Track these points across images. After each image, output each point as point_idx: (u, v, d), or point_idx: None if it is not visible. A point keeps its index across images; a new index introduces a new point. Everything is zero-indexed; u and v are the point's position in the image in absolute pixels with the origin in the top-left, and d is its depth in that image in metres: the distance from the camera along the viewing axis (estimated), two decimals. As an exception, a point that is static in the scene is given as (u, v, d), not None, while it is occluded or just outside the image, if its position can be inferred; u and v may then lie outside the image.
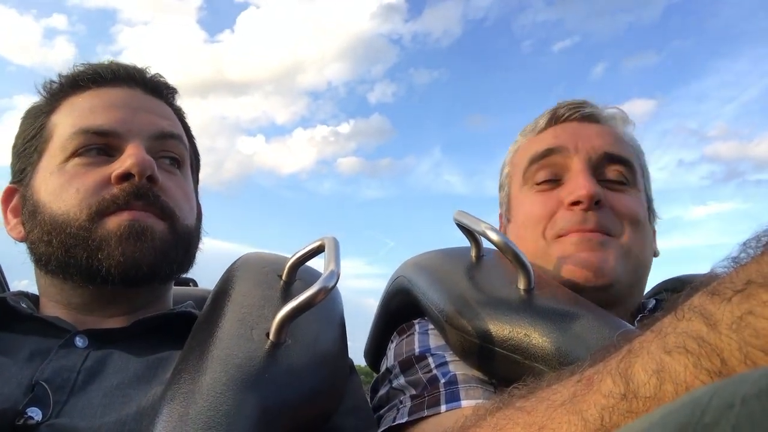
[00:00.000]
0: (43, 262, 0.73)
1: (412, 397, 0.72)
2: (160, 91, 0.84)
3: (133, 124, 0.76)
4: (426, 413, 0.68)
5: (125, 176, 0.71)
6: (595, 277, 0.79)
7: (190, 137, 0.89)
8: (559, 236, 0.83)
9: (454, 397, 0.68)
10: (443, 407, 0.67)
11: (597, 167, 0.85)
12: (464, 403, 0.67)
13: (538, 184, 0.87)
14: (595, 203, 0.81)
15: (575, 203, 0.81)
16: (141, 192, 0.72)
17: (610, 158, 0.86)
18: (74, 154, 0.73)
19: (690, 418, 0.20)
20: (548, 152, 0.86)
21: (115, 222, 0.70)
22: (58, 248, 0.70)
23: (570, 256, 0.80)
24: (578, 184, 0.81)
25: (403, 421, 0.69)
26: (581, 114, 0.91)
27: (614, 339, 0.42)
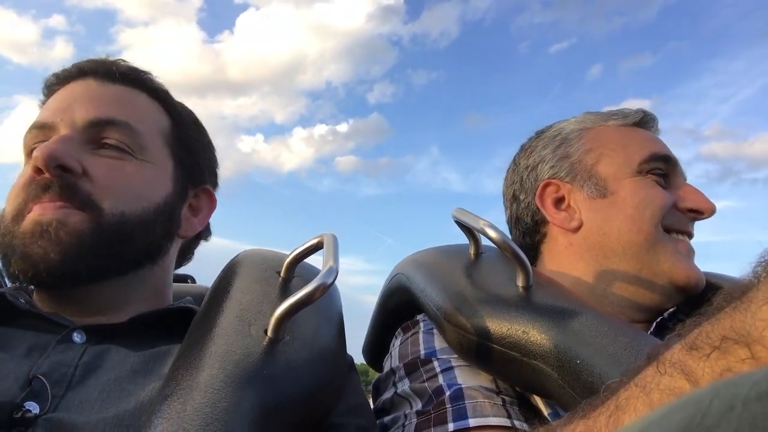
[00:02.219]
0: None
1: (418, 414, 0.71)
2: (114, 76, 0.79)
3: (66, 113, 0.73)
4: None
5: (38, 170, 0.69)
6: (698, 287, 0.86)
7: (175, 116, 0.83)
8: (668, 231, 0.87)
9: (461, 415, 0.67)
10: (450, 426, 0.67)
11: None
12: (471, 422, 0.66)
13: (656, 175, 0.91)
14: None
15: (695, 211, 0.89)
16: (48, 184, 0.68)
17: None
18: (29, 153, 0.74)
19: (690, 421, 0.20)
20: (667, 158, 0.92)
21: (26, 222, 0.68)
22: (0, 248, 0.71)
23: (684, 259, 0.87)
24: (703, 198, 0.90)
25: None
26: (657, 130, 1.00)
27: (600, 392, 0.44)
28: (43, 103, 0.81)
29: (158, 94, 0.83)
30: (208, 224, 0.91)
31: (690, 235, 0.90)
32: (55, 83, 0.79)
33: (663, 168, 0.91)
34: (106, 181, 0.71)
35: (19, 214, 0.69)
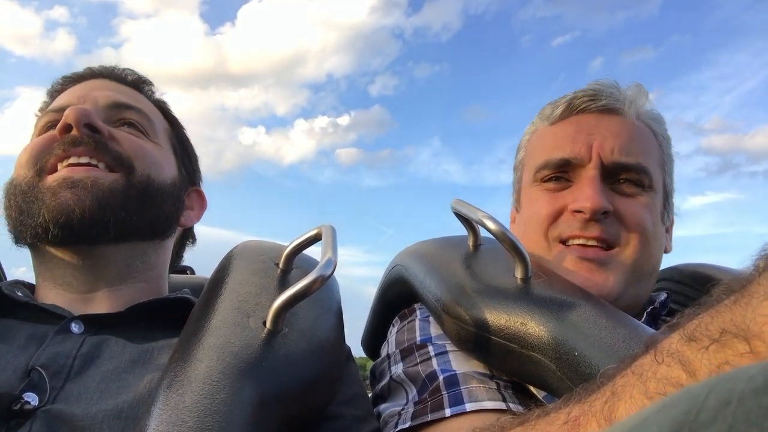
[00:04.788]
0: (9, 230, 0.76)
1: (415, 403, 0.71)
2: (127, 79, 0.89)
3: (88, 98, 0.80)
4: (430, 417, 0.68)
5: (66, 128, 0.74)
6: (601, 296, 0.77)
7: (175, 125, 0.93)
8: (561, 240, 0.82)
9: (457, 401, 0.68)
10: (447, 411, 0.67)
11: (610, 174, 0.83)
12: (468, 406, 0.67)
13: (545, 181, 0.86)
14: (601, 214, 0.80)
15: (579, 212, 0.80)
16: (79, 140, 0.73)
17: (624, 167, 0.83)
18: (40, 132, 0.80)
19: (686, 416, 0.20)
20: (562, 164, 0.84)
21: (53, 178, 0.72)
22: (14, 209, 0.73)
23: (571, 270, 0.79)
24: (585, 194, 0.79)
25: (406, 426, 0.69)
26: (598, 107, 0.88)
27: (596, 378, 0.44)
28: (49, 103, 0.86)
29: (158, 102, 0.92)
30: (192, 229, 0.97)
31: (586, 238, 0.79)
32: (69, 81, 0.86)
33: (560, 172, 0.84)
34: (132, 146, 0.78)
35: (41, 171, 0.73)
